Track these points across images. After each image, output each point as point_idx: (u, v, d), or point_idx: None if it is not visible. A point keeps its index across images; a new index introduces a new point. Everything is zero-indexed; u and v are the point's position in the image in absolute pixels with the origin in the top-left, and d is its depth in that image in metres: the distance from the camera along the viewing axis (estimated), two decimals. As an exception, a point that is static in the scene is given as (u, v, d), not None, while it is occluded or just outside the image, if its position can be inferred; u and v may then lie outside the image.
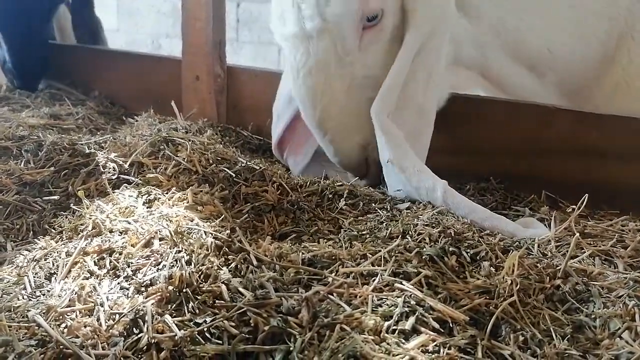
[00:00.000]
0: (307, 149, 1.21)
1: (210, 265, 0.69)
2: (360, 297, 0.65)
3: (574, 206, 0.90)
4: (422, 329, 0.62)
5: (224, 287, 0.66)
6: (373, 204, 0.96)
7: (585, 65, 1.16)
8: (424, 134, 1.05)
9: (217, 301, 0.64)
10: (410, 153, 0.95)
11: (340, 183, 1.01)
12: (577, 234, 0.85)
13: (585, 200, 0.88)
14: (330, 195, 0.99)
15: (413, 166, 0.94)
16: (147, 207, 0.83)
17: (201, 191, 0.88)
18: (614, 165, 1.06)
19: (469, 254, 0.77)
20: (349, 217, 0.94)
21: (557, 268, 0.75)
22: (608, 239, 0.86)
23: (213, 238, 0.74)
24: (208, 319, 0.61)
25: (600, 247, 0.84)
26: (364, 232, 0.85)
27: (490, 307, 0.66)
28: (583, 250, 0.82)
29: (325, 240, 0.84)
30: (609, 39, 1.14)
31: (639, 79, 1.14)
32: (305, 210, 0.94)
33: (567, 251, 0.82)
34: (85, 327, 0.62)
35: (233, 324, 0.61)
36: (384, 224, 0.89)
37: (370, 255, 0.74)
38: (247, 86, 1.56)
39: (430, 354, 0.59)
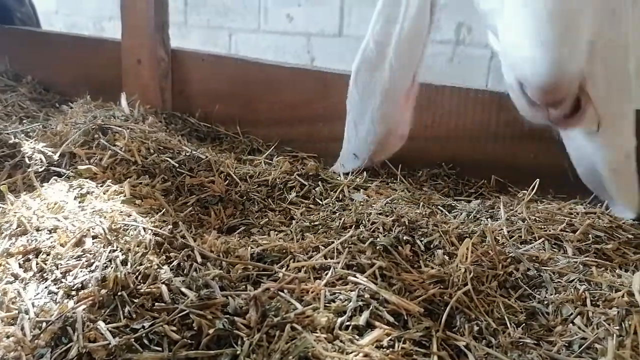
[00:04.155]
0: None
1: (149, 265, 0.63)
2: (312, 292, 0.62)
3: (524, 191, 0.90)
4: (377, 323, 0.59)
5: (164, 287, 0.60)
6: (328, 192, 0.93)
7: None
8: None
9: (156, 304, 0.59)
10: None
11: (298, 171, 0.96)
12: (528, 219, 0.85)
13: (536, 185, 0.88)
14: (282, 186, 0.95)
15: None
16: (79, 202, 0.76)
17: (140, 183, 0.81)
18: (562, 149, 1.07)
19: (423, 243, 0.75)
20: (301, 207, 0.90)
21: (509, 254, 0.74)
22: (558, 223, 0.87)
23: (152, 234, 0.68)
24: (146, 324, 0.56)
25: (550, 231, 0.84)
26: (316, 223, 0.82)
27: (445, 297, 0.65)
28: (534, 235, 0.82)
29: (276, 233, 0.80)
30: None
31: None
32: (255, 201, 0.90)
33: (519, 236, 0.83)
34: (7, 337, 0.56)
35: (174, 328, 0.56)
36: (337, 213, 0.86)
37: (322, 248, 0.71)
38: (194, 71, 1.48)
39: (384, 350, 0.56)
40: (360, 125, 1.11)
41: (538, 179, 0.88)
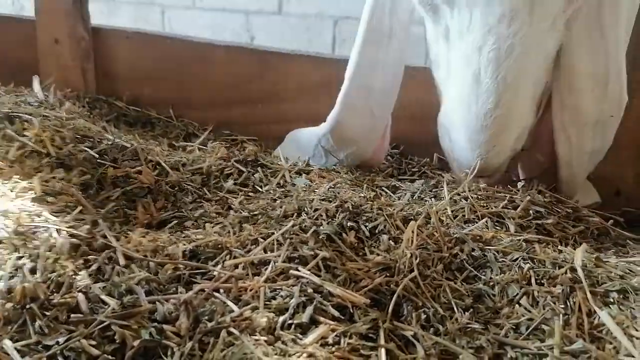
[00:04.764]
0: None
1: (62, 272, 0.56)
2: (251, 290, 0.57)
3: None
4: (321, 318, 0.55)
5: (81, 296, 0.53)
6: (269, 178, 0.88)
7: None
8: None
9: (72, 315, 0.52)
10: None
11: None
12: (471, 197, 0.84)
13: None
14: (218, 173, 0.88)
15: None
16: (-20, 203, 0.66)
17: (54, 178, 0.72)
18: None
19: (367, 228, 0.72)
20: (240, 195, 0.85)
21: (454, 235, 0.73)
22: (500, 200, 0.86)
23: (68, 236, 0.61)
24: (61, 340, 0.49)
25: (492, 209, 0.83)
26: (255, 213, 0.77)
27: (391, 285, 0.62)
28: (477, 214, 0.81)
29: (212, 225, 0.74)
30: None
31: None
32: (189, 191, 0.83)
33: (463, 216, 0.81)
34: None
35: (94, 342, 0.50)
36: (278, 201, 0.81)
37: (262, 240, 0.66)
38: (119, 50, 1.36)
39: (330, 347, 0.53)
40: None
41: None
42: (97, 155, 0.79)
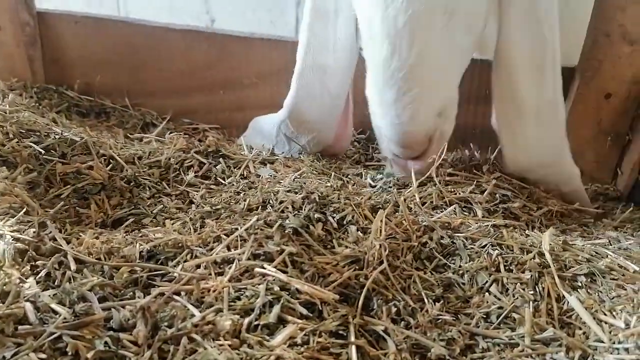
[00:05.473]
0: None
1: (7, 280, 0.51)
2: (214, 292, 0.54)
3: (434, 156, 0.88)
4: (289, 317, 0.53)
5: (28, 306, 0.49)
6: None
7: None
8: None
9: (20, 327, 0.48)
10: None
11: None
12: (438, 184, 0.83)
13: (445, 147, 0.86)
14: (177, 166, 0.84)
15: None
16: None
17: (-5, 177, 0.67)
18: (467, 109, 1.06)
19: (335, 219, 0.70)
20: (201, 188, 0.81)
21: (422, 223, 0.72)
22: (467, 185, 0.86)
23: (12, 240, 0.56)
24: (8, 354, 0.46)
25: (460, 194, 0.82)
26: (218, 207, 0.73)
27: (361, 279, 0.60)
28: (445, 200, 0.80)
29: (172, 222, 0.71)
30: None
31: None
32: (146, 186, 0.79)
33: (431, 202, 0.80)
34: None
35: (44, 355, 0.46)
36: (242, 194, 0.78)
37: (225, 237, 0.63)
38: (68, 36, 1.28)
39: (299, 347, 0.51)
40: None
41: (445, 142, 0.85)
42: (43, 151, 0.74)
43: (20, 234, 0.57)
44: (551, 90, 0.84)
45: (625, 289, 0.59)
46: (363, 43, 0.80)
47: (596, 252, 0.66)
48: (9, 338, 0.47)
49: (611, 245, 0.71)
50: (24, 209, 0.62)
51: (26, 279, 0.53)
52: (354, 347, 0.52)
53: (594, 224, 0.85)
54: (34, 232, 0.58)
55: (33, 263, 0.55)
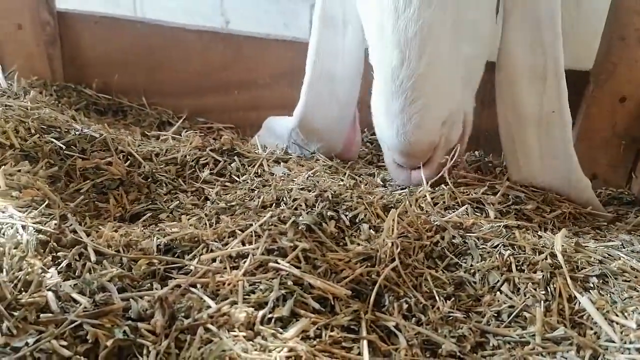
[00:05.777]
0: None
1: (30, 270, 0.53)
2: (229, 285, 0.56)
3: (446, 156, 0.88)
4: (302, 311, 0.54)
5: (50, 295, 0.51)
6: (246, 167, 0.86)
7: None
8: None
9: (42, 315, 0.50)
10: None
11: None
12: (451, 184, 0.84)
13: (458, 149, 0.86)
14: (193, 163, 0.85)
15: None
16: (-62, 199, 0.63)
17: (18, 171, 0.69)
18: (481, 112, 1.07)
19: (347, 217, 0.71)
20: (216, 186, 0.82)
21: (434, 223, 0.72)
22: (479, 186, 0.86)
23: (35, 232, 0.58)
24: (30, 340, 0.47)
25: (472, 195, 0.83)
26: (233, 204, 0.75)
27: (373, 276, 0.61)
28: (457, 200, 0.81)
29: (187, 217, 0.72)
30: None
31: None
32: (163, 182, 0.80)
33: (443, 202, 0.81)
34: None
35: (65, 342, 0.47)
36: (256, 191, 0.79)
37: (239, 232, 0.64)
38: (87, 36, 1.31)
39: (311, 341, 0.52)
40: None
41: (458, 145, 0.86)
42: (63, 147, 0.76)
43: (42, 226, 0.59)
44: (555, 101, 0.83)
45: (638, 291, 0.59)
46: (371, 52, 0.80)
47: (608, 254, 0.66)
48: (31, 325, 0.49)
49: (624, 247, 0.71)
50: (46, 202, 0.64)
51: (48, 269, 0.55)
52: (365, 342, 0.53)
53: (607, 227, 0.85)
54: (55, 224, 0.60)
55: (54, 254, 0.57)
